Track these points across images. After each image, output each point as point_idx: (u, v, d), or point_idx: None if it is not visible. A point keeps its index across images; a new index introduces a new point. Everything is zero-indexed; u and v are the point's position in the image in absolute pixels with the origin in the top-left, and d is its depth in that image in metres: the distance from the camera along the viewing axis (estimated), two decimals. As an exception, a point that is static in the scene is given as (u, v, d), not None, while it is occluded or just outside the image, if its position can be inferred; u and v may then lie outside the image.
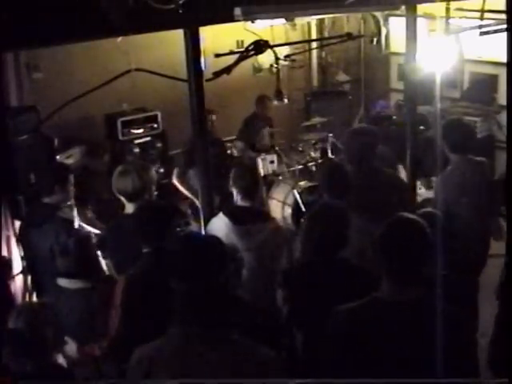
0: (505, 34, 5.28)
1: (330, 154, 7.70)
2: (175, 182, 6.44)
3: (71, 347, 3.33)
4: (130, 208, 4.07)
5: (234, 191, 4.06)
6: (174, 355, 2.27)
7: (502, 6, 4.76)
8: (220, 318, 2.27)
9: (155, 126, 7.42)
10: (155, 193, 4.32)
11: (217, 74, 3.93)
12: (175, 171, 6.39)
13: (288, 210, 6.75)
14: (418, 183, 5.56)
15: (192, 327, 2.26)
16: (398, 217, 2.68)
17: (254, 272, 3.82)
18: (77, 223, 4.60)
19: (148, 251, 3.47)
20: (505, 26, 5.47)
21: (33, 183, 4.63)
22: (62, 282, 3.67)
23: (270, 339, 2.51)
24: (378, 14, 8.63)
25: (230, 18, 3.82)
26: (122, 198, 4.12)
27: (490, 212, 4.76)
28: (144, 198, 4.06)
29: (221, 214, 4.01)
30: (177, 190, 6.49)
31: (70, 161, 6.17)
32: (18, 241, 4.12)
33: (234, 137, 7.83)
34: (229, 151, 7.27)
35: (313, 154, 7.68)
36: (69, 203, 4.69)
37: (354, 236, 3.50)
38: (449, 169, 4.73)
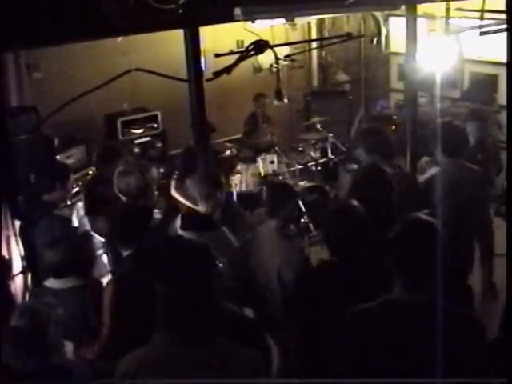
0: (505, 34, 5.28)
1: (330, 154, 7.71)
2: (174, 194, 6.32)
3: (68, 348, 3.33)
4: None
5: (194, 195, 4.08)
6: (161, 361, 2.26)
7: (502, 5, 4.77)
8: (205, 322, 2.26)
9: (155, 125, 7.42)
10: (156, 192, 4.32)
11: (217, 74, 3.93)
12: (173, 183, 6.27)
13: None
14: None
15: (176, 332, 2.25)
16: (411, 217, 2.65)
17: None
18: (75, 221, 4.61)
19: (128, 254, 3.46)
20: (505, 26, 5.47)
21: (33, 182, 4.63)
22: (53, 283, 3.61)
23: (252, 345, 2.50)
24: (378, 14, 8.64)
25: (230, 18, 3.82)
26: (124, 198, 4.13)
27: (475, 219, 4.60)
28: (146, 197, 4.07)
29: (179, 217, 4.08)
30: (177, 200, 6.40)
31: (70, 161, 6.17)
32: (18, 240, 4.12)
33: (233, 137, 7.85)
34: (228, 151, 7.25)
35: (313, 154, 7.68)
36: (68, 203, 4.70)
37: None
38: (437, 171, 4.55)
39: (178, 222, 4.03)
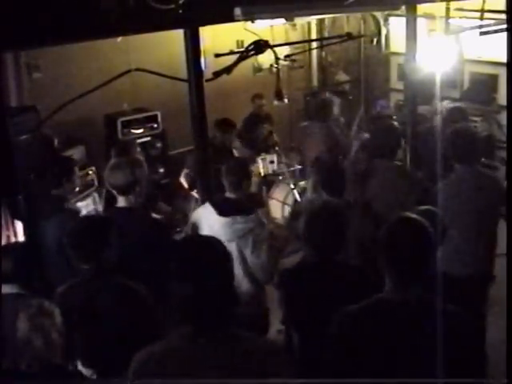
0: (505, 34, 5.29)
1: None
2: (182, 181, 6.49)
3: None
4: (122, 201, 4.09)
5: (225, 184, 4.16)
6: (181, 355, 2.24)
7: (502, 6, 4.78)
8: (224, 316, 2.26)
9: (155, 125, 7.41)
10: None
11: (217, 74, 3.94)
12: (184, 171, 6.44)
13: (288, 210, 6.75)
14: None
15: (196, 327, 2.24)
16: (400, 216, 2.68)
17: (235, 262, 3.90)
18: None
19: (87, 268, 3.35)
20: (505, 26, 5.47)
21: (35, 178, 4.66)
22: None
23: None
24: (378, 14, 8.64)
25: (230, 18, 3.82)
26: (114, 192, 4.15)
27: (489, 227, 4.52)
28: (136, 192, 4.09)
29: (207, 204, 4.14)
30: (181, 187, 6.54)
31: (70, 161, 6.18)
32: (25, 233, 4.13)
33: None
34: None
35: (312, 154, 7.67)
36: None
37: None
38: (452, 177, 4.45)
39: (210, 208, 4.07)
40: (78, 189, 4.91)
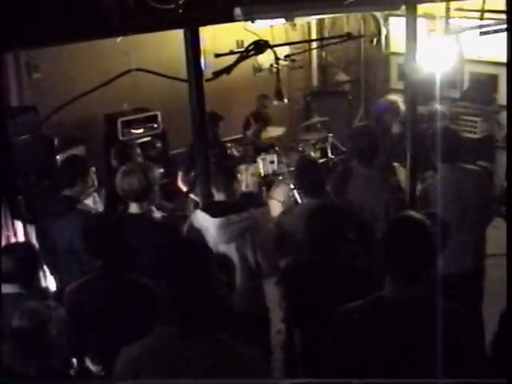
0: (505, 34, 5.28)
1: (329, 154, 7.72)
2: (180, 184, 6.48)
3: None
4: (134, 208, 4.05)
5: (213, 188, 4.14)
6: (162, 355, 2.28)
7: (502, 5, 4.78)
8: (208, 319, 2.28)
9: (155, 125, 7.41)
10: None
11: (217, 74, 3.93)
12: (180, 174, 6.43)
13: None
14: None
15: (178, 327, 2.27)
16: (402, 215, 2.70)
17: (236, 262, 3.90)
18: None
19: (100, 264, 3.38)
20: (505, 26, 5.47)
21: (41, 178, 4.66)
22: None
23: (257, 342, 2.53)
24: (378, 14, 8.64)
25: (230, 18, 3.81)
26: (127, 199, 4.10)
27: (481, 225, 4.57)
28: (150, 197, 4.05)
29: (198, 211, 4.14)
30: (180, 190, 6.54)
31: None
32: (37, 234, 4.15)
33: (233, 137, 7.86)
34: (229, 151, 7.29)
35: (313, 154, 7.68)
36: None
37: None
38: (437, 177, 4.50)
39: (202, 214, 4.06)
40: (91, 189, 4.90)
